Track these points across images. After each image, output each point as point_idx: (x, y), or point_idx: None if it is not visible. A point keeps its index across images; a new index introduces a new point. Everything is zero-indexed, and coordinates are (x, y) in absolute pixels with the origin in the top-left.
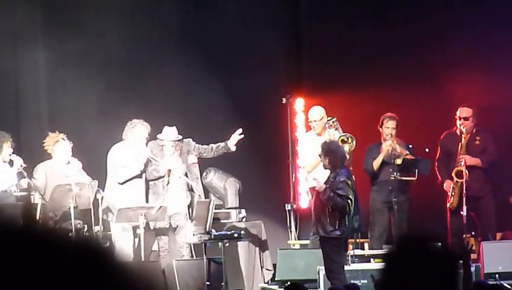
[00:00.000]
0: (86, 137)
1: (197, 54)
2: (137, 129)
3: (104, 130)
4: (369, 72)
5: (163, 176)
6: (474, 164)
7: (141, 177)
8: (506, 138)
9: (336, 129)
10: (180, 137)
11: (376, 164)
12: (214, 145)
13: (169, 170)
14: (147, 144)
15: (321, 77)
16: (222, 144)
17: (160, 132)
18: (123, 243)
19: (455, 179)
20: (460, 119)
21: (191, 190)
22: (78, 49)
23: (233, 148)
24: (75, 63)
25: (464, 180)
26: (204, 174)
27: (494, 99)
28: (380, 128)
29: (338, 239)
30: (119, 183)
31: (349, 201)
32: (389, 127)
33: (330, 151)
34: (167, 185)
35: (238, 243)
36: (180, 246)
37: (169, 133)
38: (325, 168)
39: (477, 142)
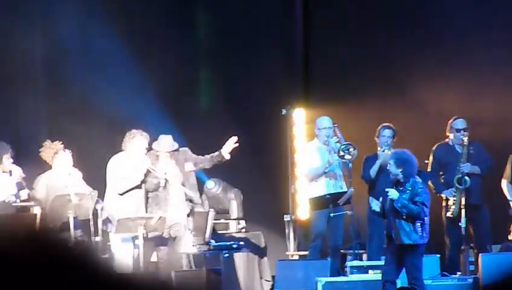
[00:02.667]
0: (85, 147)
1: (197, 64)
2: (136, 140)
3: (103, 140)
4: (368, 83)
5: (160, 182)
6: (474, 171)
7: (141, 187)
8: (496, 149)
9: (337, 138)
10: (176, 146)
11: (373, 170)
12: (209, 156)
13: (166, 178)
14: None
15: (320, 88)
16: (216, 153)
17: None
18: (122, 254)
19: (456, 185)
20: (459, 131)
21: (189, 200)
22: (77, 56)
23: (227, 157)
24: (75, 71)
25: (464, 187)
26: (209, 185)
27: (483, 111)
28: (377, 139)
29: (423, 246)
30: (119, 194)
31: (424, 207)
32: (385, 135)
33: (404, 161)
34: (164, 188)
35: (237, 253)
36: (179, 256)
37: (165, 142)
38: (395, 179)
39: (472, 151)
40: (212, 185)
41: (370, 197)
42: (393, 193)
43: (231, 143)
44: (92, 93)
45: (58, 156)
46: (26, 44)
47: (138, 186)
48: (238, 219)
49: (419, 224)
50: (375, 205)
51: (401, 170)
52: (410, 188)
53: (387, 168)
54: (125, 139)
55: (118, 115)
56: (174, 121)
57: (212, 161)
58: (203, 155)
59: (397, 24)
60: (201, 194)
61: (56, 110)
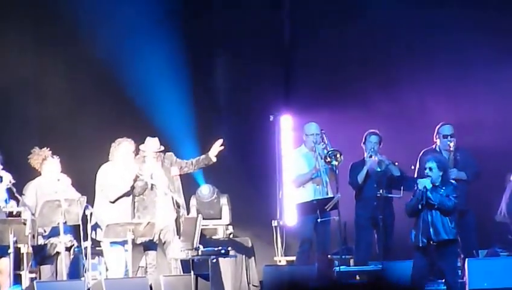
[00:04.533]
0: (75, 154)
1: (186, 70)
2: (122, 146)
3: (93, 148)
4: (354, 90)
5: (147, 183)
6: (460, 177)
7: (130, 194)
8: (484, 155)
9: (324, 144)
10: (162, 148)
11: (360, 176)
12: (194, 160)
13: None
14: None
15: (307, 95)
16: (203, 156)
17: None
18: (112, 259)
19: None
20: (446, 137)
21: (177, 205)
22: (69, 65)
23: (214, 159)
24: (66, 80)
25: None
26: (204, 190)
27: (470, 117)
28: (363, 145)
29: (457, 241)
30: (110, 201)
31: (456, 202)
32: (371, 141)
33: (445, 167)
34: (151, 190)
35: (225, 259)
36: (168, 261)
37: (152, 144)
38: (432, 182)
39: (458, 157)
40: (207, 191)
41: (418, 180)
42: (425, 182)
43: (217, 146)
44: (82, 101)
45: (47, 162)
46: (19, 54)
47: (128, 193)
48: (226, 224)
49: (455, 218)
50: (427, 183)
51: (441, 173)
52: (444, 188)
53: (426, 171)
54: (111, 150)
55: (106, 122)
56: (163, 127)
57: (197, 164)
58: (188, 159)
59: (384, 30)
60: (189, 199)
61: (45, 117)
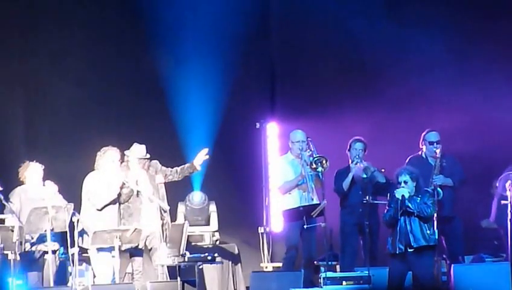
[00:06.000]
0: (61, 161)
1: (171, 77)
2: (108, 154)
3: (79, 156)
4: (340, 97)
5: (133, 190)
6: (446, 184)
7: (117, 201)
8: (470, 161)
9: (310, 151)
10: (148, 156)
11: (346, 183)
12: (179, 168)
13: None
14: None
15: (293, 103)
16: (187, 165)
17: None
18: (99, 266)
19: None
20: (432, 143)
21: (163, 212)
22: (56, 72)
23: (199, 168)
24: (52, 87)
25: (437, 199)
26: (196, 197)
27: (455, 124)
28: (348, 152)
29: (435, 247)
30: (97, 209)
31: (435, 206)
32: (356, 148)
33: (417, 178)
34: (137, 197)
35: (212, 265)
36: (154, 267)
37: (137, 150)
38: (408, 193)
39: (444, 164)
40: (198, 198)
41: (395, 190)
42: (402, 191)
43: (202, 154)
44: (70, 107)
45: (29, 168)
46: (7, 63)
47: (115, 200)
48: (213, 231)
49: (433, 225)
50: (405, 192)
51: (415, 183)
52: (420, 196)
53: (401, 185)
54: (97, 159)
55: (94, 129)
56: (148, 133)
57: (182, 172)
58: (172, 167)
59: (368, 37)
60: (176, 206)
61: (33, 124)
